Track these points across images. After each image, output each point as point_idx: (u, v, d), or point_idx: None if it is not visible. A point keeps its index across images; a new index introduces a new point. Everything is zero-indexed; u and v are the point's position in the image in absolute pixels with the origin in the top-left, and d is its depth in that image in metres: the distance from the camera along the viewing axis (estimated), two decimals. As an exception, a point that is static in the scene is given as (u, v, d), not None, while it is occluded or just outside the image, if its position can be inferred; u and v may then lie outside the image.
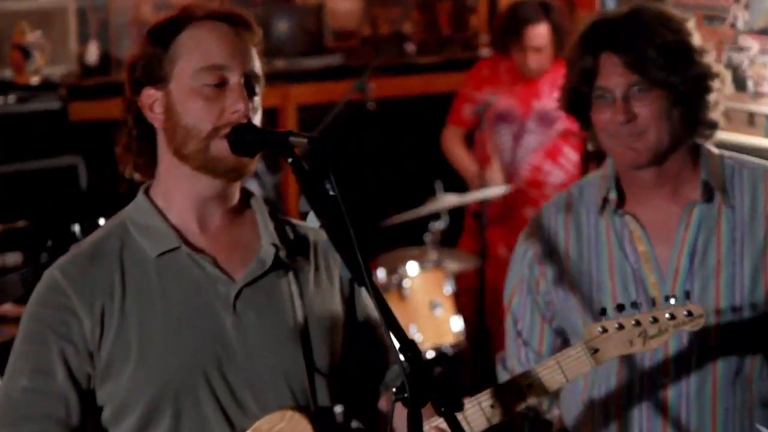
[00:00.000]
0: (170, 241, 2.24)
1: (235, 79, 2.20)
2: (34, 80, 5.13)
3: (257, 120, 2.23)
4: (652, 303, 2.39)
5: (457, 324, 4.85)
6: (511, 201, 5.35)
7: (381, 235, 4.89)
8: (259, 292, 2.26)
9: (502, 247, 5.40)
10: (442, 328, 4.79)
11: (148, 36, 2.24)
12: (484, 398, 2.32)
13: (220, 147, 2.19)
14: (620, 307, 2.35)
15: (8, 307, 3.58)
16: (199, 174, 2.22)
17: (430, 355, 4.72)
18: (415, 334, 4.71)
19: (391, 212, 4.97)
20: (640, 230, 2.61)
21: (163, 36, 2.22)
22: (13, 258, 4.56)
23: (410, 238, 5.10)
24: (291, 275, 2.31)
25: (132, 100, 2.26)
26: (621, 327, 2.35)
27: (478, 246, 5.35)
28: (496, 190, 5.16)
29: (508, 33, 5.34)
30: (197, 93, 2.19)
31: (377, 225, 4.91)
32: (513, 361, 2.75)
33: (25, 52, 5.14)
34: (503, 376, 2.73)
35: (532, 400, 2.36)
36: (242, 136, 2.18)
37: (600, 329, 2.36)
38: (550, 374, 2.34)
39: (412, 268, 4.84)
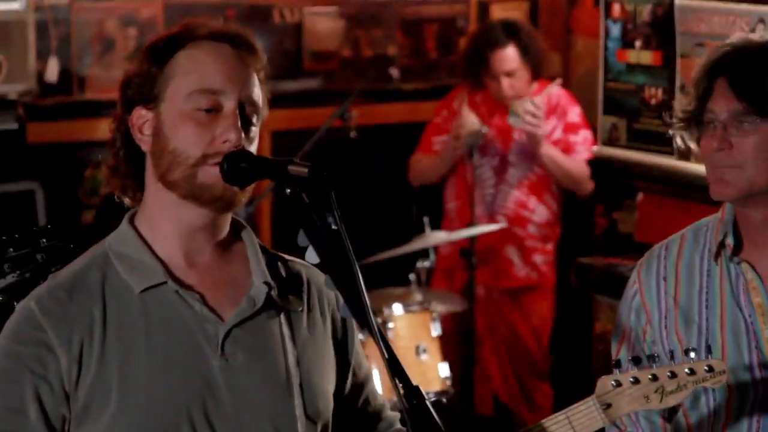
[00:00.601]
0: (156, 276, 2.24)
1: (230, 105, 2.21)
2: (-11, 98, 5.15)
3: (252, 151, 2.24)
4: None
5: (444, 370, 4.85)
6: (493, 240, 5.36)
7: (363, 274, 4.88)
8: (249, 334, 2.26)
9: (479, 287, 5.41)
10: (429, 374, 4.79)
11: (145, 53, 2.25)
12: None
13: (209, 173, 2.19)
14: (636, 360, 2.33)
15: None
16: (185, 202, 2.23)
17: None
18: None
19: (375, 249, 4.96)
20: (757, 280, 2.56)
21: (160, 54, 2.23)
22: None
23: (394, 277, 5.11)
24: (283, 316, 2.31)
25: (122, 118, 2.27)
26: (636, 381, 2.32)
27: (457, 286, 5.37)
28: (488, 227, 5.18)
29: (475, 62, 5.36)
30: (188, 117, 2.20)
31: (359, 262, 4.90)
32: (623, 418, 2.64)
33: (-20, 69, 5.17)
34: None
35: None
36: (236, 164, 2.18)
37: (613, 383, 2.32)
38: (558, 429, 2.34)
39: (396, 309, 4.84)
